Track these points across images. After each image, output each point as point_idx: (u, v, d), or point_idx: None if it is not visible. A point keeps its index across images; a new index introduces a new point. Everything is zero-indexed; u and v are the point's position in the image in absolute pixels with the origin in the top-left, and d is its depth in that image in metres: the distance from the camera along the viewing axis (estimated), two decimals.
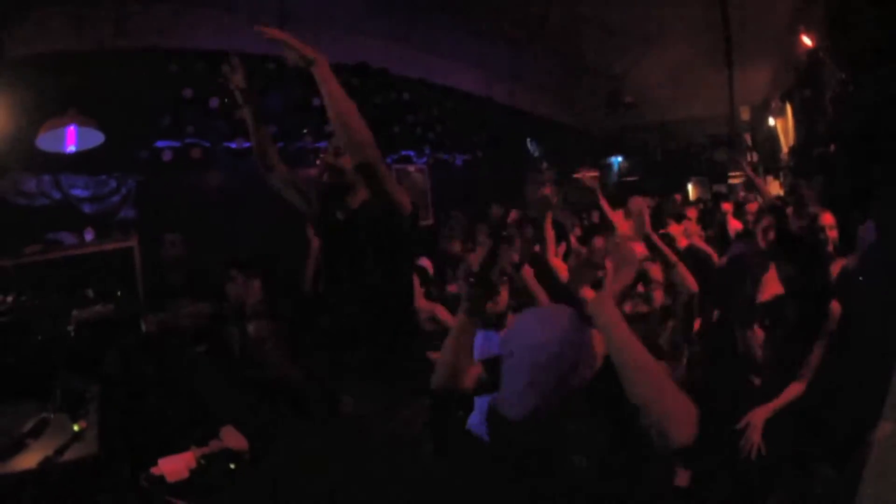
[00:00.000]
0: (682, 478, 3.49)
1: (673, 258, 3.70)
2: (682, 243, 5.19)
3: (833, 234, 4.74)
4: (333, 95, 2.70)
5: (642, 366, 1.63)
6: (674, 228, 5.40)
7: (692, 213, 7.17)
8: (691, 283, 3.61)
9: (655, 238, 3.78)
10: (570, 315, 1.93)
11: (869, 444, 2.18)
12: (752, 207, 7.33)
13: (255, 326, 4.30)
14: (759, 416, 3.36)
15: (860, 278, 4.11)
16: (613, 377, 1.76)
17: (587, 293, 2.97)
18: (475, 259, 2.08)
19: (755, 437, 3.31)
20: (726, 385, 4.22)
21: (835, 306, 3.52)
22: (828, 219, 4.80)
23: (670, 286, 3.68)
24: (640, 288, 3.60)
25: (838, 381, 3.38)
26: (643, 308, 3.56)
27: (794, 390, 3.42)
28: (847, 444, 2.81)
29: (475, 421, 2.80)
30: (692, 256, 5.01)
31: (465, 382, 2.11)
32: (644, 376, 1.60)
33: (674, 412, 1.57)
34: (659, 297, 3.63)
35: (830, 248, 4.65)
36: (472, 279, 2.11)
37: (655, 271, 3.73)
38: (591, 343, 1.88)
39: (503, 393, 1.94)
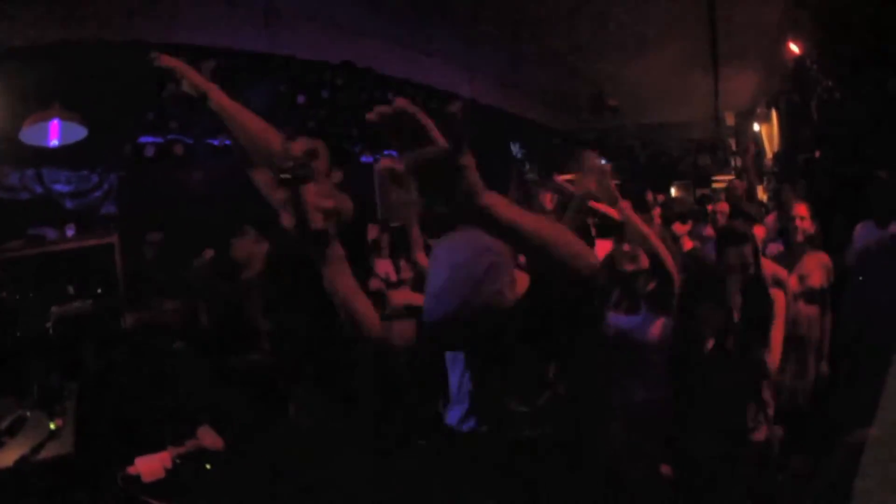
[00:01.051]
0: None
1: (646, 230, 3.63)
2: (688, 245, 5.16)
3: (805, 224, 4.69)
4: (233, 118, 2.74)
5: (531, 222, 1.49)
6: (678, 227, 5.35)
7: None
8: (670, 266, 3.54)
9: (627, 207, 3.77)
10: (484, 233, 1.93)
11: (852, 445, 2.15)
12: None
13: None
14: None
15: (859, 278, 4.17)
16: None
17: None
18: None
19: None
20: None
21: (777, 294, 3.55)
22: (801, 210, 4.75)
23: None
24: (626, 247, 3.63)
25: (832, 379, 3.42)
26: (629, 266, 3.55)
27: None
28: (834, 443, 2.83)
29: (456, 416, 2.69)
30: (695, 260, 4.98)
31: (379, 332, 2.04)
32: (536, 228, 1.49)
33: (573, 246, 1.58)
34: (645, 258, 3.63)
35: (801, 237, 4.64)
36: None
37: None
38: (504, 255, 1.92)
39: (427, 296, 1.97)
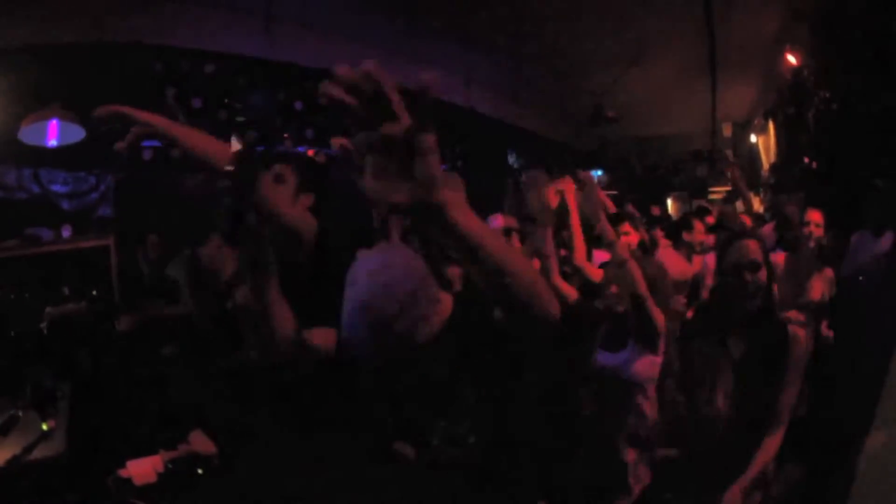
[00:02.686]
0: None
1: (624, 255, 3.56)
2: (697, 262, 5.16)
3: (819, 231, 4.73)
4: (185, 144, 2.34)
5: (492, 240, 1.30)
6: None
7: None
8: (638, 281, 3.44)
9: (607, 226, 3.75)
10: (405, 248, 1.90)
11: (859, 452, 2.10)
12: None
13: (242, 293, 4.13)
14: (735, 495, 2.60)
15: (859, 285, 4.19)
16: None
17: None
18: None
19: None
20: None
21: (798, 332, 2.77)
22: (815, 216, 4.77)
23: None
24: (614, 289, 3.64)
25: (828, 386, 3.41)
26: (617, 307, 3.59)
27: (770, 448, 2.71)
28: (831, 449, 2.81)
29: None
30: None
31: (313, 343, 1.98)
32: (496, 249, 1.29)
33: (543, 292, 1.39)
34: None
35: (813, 244, 4.67)
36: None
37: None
38: (429, 276, 1.81)
39: (345, 326, 1.85)
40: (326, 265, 2.65)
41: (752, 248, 2.79)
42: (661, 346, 3.54)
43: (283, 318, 1.95)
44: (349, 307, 1.82)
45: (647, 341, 3.50)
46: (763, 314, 2.79)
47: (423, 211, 1.10)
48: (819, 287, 4.56)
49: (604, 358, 3.63)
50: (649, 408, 3.55)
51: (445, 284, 2.04)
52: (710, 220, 7.13)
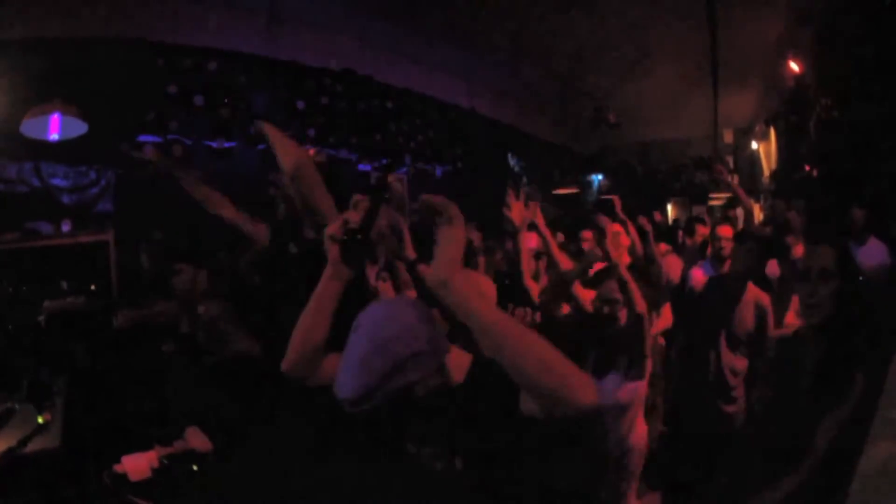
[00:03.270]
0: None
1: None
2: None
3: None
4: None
5: (518, 335, 1.44)
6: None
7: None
8: (638, 301, 3.42)
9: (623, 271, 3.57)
10: (419, 305, 1.83)
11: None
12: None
13: (206, 307, 4.24)
14: None
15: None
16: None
17: (424, 269, 2.62)
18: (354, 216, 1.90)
19: None
20: (695, 408, 4.25)
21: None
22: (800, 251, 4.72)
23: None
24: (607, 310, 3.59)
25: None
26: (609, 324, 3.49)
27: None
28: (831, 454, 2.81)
29: None
30: None
31: (322, 368, 1.99)
32: (524, 346, 1.42)
33: (569, 376, 1.42)
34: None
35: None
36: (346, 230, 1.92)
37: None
38: (437, 340, 1.76)
39: (341, 369, 1.81)
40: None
41: None
42: (649, 368, 3.49)
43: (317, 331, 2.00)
44: (347, 353, 1.80)
45: (636, 370, 3.42)
46: None
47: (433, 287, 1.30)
48: None
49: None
50: (636, 432, 3.49)
51: (468, 344, 2.01)
52: (702, 228, 7.14)
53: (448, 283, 1.49)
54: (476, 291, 1.50)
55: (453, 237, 1.58)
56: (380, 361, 1.69)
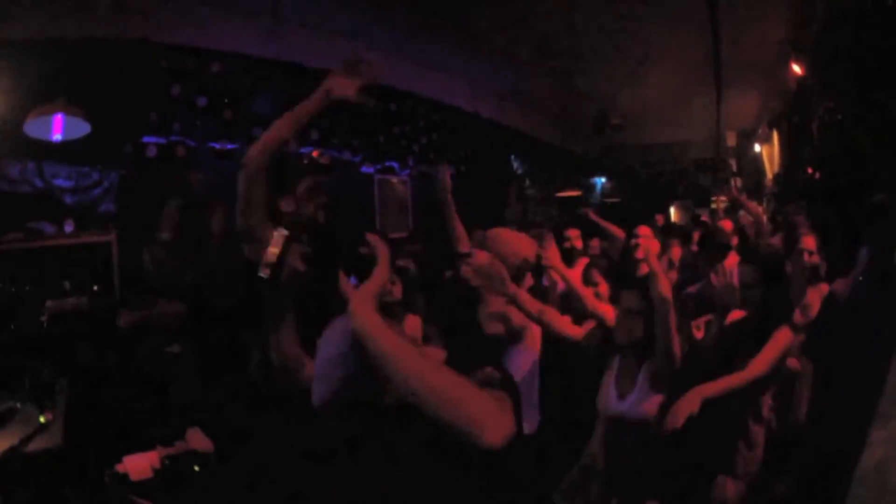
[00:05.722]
0: None
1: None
2: None
3: (814, 259, 4.56)
4: None
5: (420, 370, 1.49)
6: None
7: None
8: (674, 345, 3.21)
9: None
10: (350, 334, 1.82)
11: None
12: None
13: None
14: (693, 399, 3.00)
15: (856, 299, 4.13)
16: None
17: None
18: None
19: (679, 418, 2.94)
20: None
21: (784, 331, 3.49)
22: (809, 243, 4.63)
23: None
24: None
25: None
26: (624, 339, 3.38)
27: (736, 379, 3.23)
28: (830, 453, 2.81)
29: None
30: None
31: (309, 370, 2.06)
32: (427, 382, 1.46)
33: (475, 415, 1.42)
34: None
35: (809, 275, 4.49)
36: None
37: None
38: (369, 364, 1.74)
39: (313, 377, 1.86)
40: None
41: None
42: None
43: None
44: (315, 363, 1.87)
45: (660, 382, 3.26)
46: None
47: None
48: (816, 301, 4.49)
49: (608, 403, 3.37)
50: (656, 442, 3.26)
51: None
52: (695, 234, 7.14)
53: (355, 313, 1.64)
54: (383, 324, 1.60)
55: (376, 274, 1.83)
56: (333, 373, 1.75)
